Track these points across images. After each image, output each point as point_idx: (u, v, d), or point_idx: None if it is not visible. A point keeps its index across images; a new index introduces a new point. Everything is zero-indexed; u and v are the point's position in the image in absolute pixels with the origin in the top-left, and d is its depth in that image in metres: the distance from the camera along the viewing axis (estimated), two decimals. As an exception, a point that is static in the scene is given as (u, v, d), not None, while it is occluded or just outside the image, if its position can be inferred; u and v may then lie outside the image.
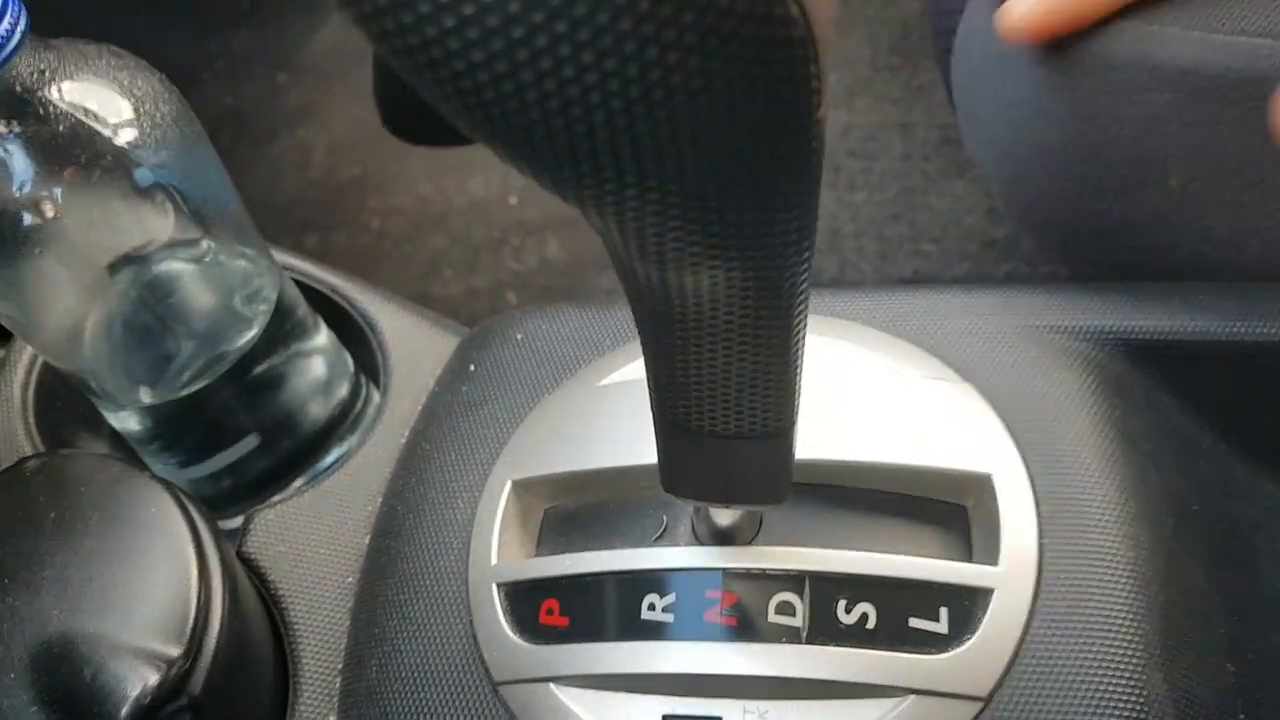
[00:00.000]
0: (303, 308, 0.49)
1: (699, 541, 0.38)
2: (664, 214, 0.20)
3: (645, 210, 0.20)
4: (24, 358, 0.50)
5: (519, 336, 0.48)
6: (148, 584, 0.36)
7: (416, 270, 1.00)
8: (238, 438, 0.49)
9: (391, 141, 1.07)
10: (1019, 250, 0.83)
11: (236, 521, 0.46)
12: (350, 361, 0.53)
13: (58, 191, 0.37)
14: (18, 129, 0.36)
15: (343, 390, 0.52)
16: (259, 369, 0.47)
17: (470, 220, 1.02)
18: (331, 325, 0.52)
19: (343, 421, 0.52)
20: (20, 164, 0.36)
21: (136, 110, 0.38)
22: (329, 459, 0.52)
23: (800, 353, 0.27)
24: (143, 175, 0.39)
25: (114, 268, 0.41)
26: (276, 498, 0.46)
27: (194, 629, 0.35)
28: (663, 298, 0.24)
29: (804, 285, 0.24)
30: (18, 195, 0.36)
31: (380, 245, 1.02)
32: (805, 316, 0.25)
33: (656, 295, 0.24)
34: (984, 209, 0.85)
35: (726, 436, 0.29)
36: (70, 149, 0.36)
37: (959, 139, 0.86)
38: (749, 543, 0.38)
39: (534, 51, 0.16)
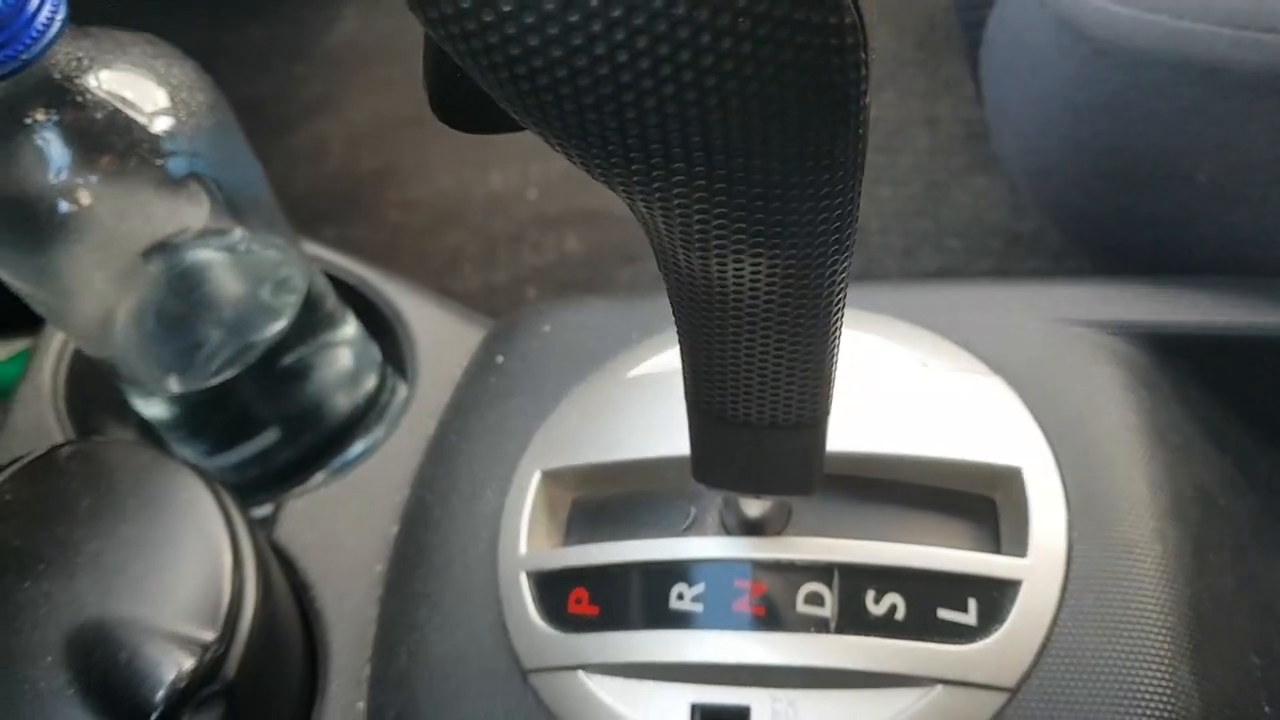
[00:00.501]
0: (332, 299, 0.49)
1: (728, 533, 0.39)
2: (710, 202, 0.20)
3: (692, 198, 0.20)
4: (54, 345, 0.50)
5: (546, 329, 0.48)
6: (181, 569, 0.36)
7: (435, 264, 1.00)
8: (265, 427, 0.49)
9: (409, 134, 1.07)
10: (1044, 246, 0.82)
11: (263, 510, 0.47)
12: (378, 353, 0.53)
13: (93, 179, 0.37)
14: (55, 117, 0.36)
15: (370, 382, 0.52)
16: (288, 359, 0.47)
17: (489, 214, 1.02)
18: (359, 317, 0.52)
19: (369, 413, 0.53)
20: (57, 151, 0.36)
21: (172, 99, 0.38)
22: (356, 450, 0.52)
23: (837, 344, 0.27)
24: (177, 164, 0.39)
25: (147, 256, 0.41)
26: (305, 487, 0.47)
27: (228, 614, 0.35)
28: (704, 285, 0.24)
29: (844, 276, 0.24)
30: (54, 182, 0.37)
31: (398, 239, 1.03)
32: (843, 308, 0.26)
33: (697, 282, 0.24)
34: (1009, 204, 0.85)
35: (760, 426, 0.29)
36: (107, 137, 0.37)
37: (984, 134, 0.86)
38: (778, 534, 0.38)
39: (590, 36, 0.16)
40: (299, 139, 1.11)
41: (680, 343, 0.28)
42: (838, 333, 0.26)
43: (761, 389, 0.27)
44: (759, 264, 0.22)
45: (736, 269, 0.23)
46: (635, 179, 0.20)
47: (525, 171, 1.03)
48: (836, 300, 0.25)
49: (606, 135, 0.19)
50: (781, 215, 0.21)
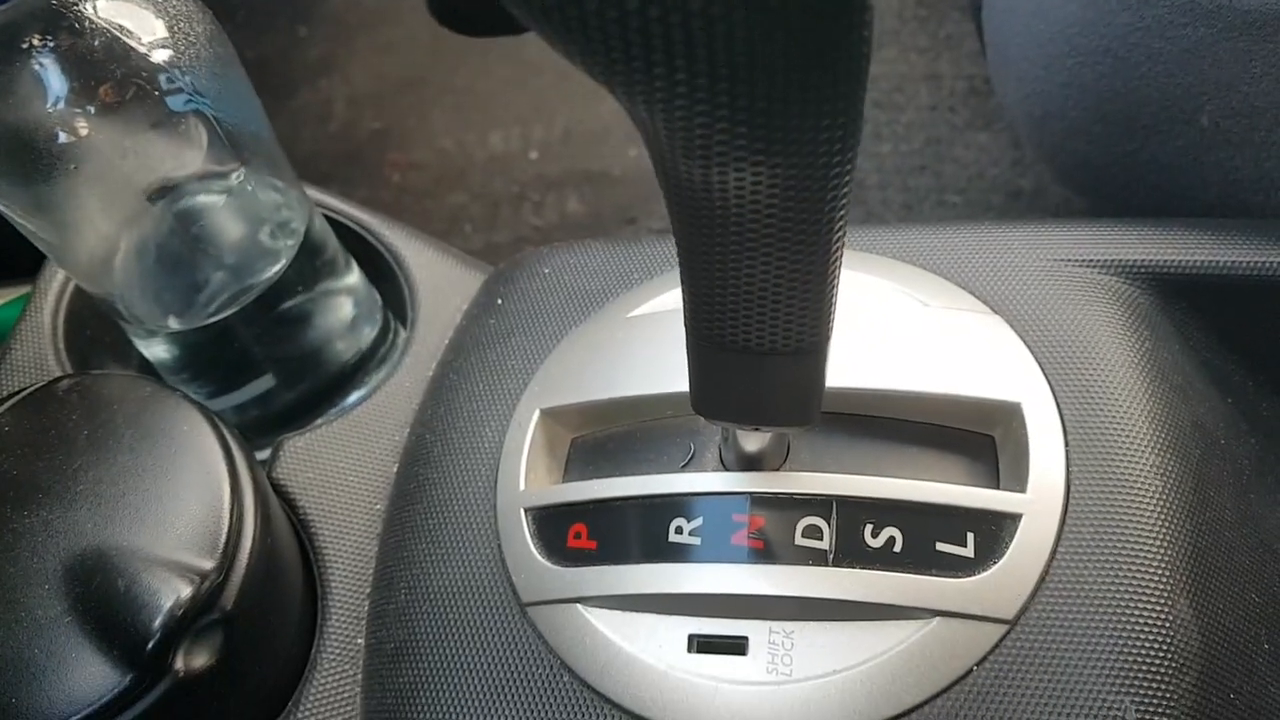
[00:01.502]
0: (333, 245, 0.49)
1: (726, 469, 0.39)
2: (711, 103, 0.20)
3: (694, 102, 0.20)
4: (54, 286, 0.50)
5: (546, 271, 0.48)
6: (181, 500, 0.36)
7: (437, 225, 1.00)
8: (265, 370, 0.49)
9: (412, 95, 1.07)
10: (1044, 201, 0.82)
11: (263, 454, 0.47)
12: (380, 301, 0.53)
13: (92, 109, 0.37)
14: (52, 43, 0.36)
15: (372, 329, 0.52)
16: (289, 303, 0.47)
17: (490, 175, 1.02)
18: (359, 262, 0.52)
19: (370, 360, 0.52)
20: (55, 79, 0.36)
21: (171, 29, 0.38)
22: (356, 395, 0.52)
23: (837, 266, 0.27)
24: (176, 97, 0.39)
25: (147, 193, 0.41)
26: (305, 428, 0.47)
27: (227, 544, 0.35)
28: (704, 199, 0.24)
29: (846, 191, 0.24)
30: (52, 111, 0.36)
31: (400, 200, 1.03)
32: (844, 228, 0.25)
33: (698, 195, 0.24)
34: (1010, 160, 0.85)
35: (760, 352, 0.29)
36: (105, 65, 0.36)
37: (986, 90, 0.86)
38: (776, 470, 0.38)
39: None
40: (302, 100, 1.11)
41: (680, 265, 0.27)
42: (838, 253, 0.26)
43: (761, 312, 0.27)
44: (760, 173, 0.22)
45: (738, 179, 0.22)
46: (636, 79, 0.20)
47: (527, 133, 1.03)
48: (838, 217, 0.25)
49: (608, 30, 0.18)
50: (783, 119, 0.21)
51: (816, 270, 0.26)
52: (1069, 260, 0.42)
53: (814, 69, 0.20)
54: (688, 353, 0.31)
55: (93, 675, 0.32)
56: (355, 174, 1.05)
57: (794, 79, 0.20)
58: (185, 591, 0.34)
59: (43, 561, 0.34)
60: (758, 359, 0.29)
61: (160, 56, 0.38)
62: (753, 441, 0.37)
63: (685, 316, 0.29)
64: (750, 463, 0.38)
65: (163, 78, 0.38)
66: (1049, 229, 0.44)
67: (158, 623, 0.33)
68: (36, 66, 0.36)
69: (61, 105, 0.36)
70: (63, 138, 0.37)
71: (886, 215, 0.86)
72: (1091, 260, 0.42)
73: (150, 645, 0.33)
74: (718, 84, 0.20)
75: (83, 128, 0.37)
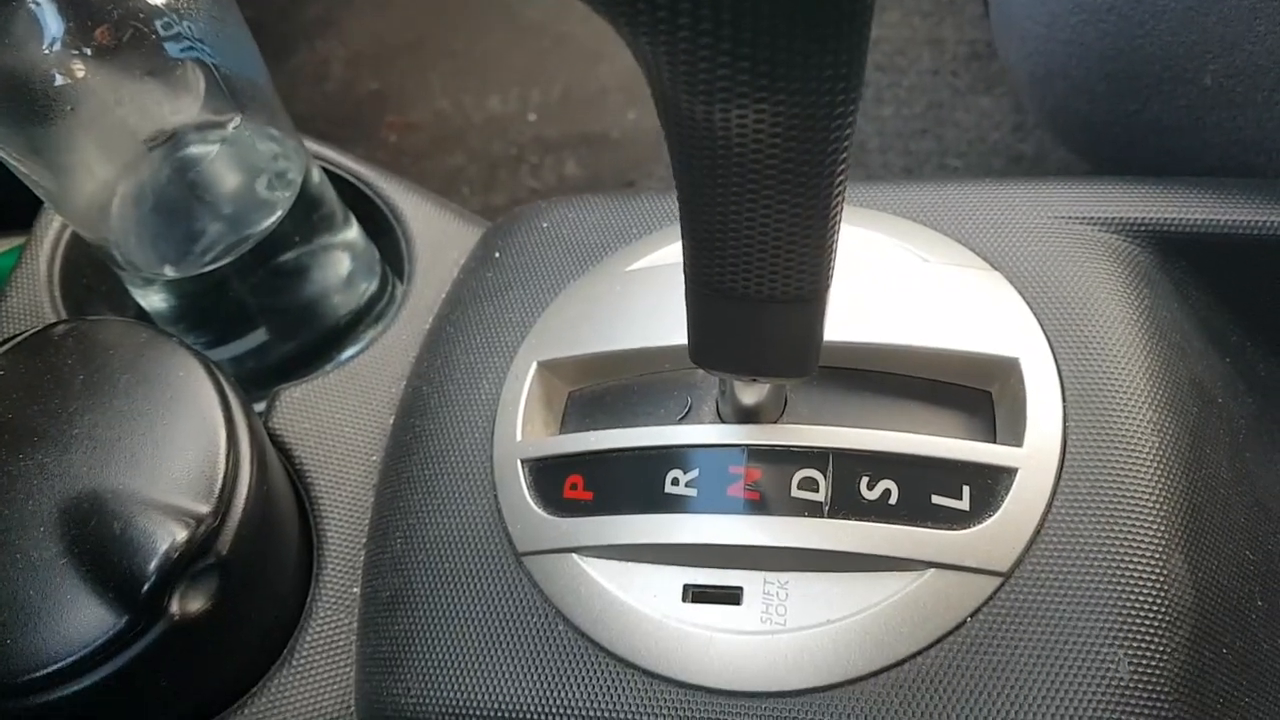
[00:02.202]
0: (331, 198, 0.49)
1: (723, 422, 0.39)
2: (714, 36, 0.20)
3: (697, 35, 0.20)
4: (49, 234, 0.50)
5: (544, 225, 0.48)
6: (177, 444, 0.36)
7: (434, 186, 0.99)
8: (261, 323, 0.49)
9: (409, 56, 1.07)
10: (1045, 166, 0.82)
11: (260, 407, 0.47)
12: (378, 257, 0.53)
13: (88, 51, 0.37)
14: (49, -17, 0.35)
15: (369, 284, 0.52)
16: (286, 256, 0.47)
17: (488, 137, 1.02)
18: (357, 216, 0.52)
19: (367, 315, 0.52)
20: (51, 19, 0.36)
21: (168, -28, 0.38)
22: (353, 349, 0.52)
23: (838, 214, 0.27)
24: (174, 42, 0.38)
25: (144, 140, 0.41)
26: (301, 379, 0.47)
27: (223, 489, 0.35)
28: (706, 139, 0.23)
29: (847, 135, 0.24)
30: (48, 53, 0.36)
31: (398, 161, 1.02)
32: (845, 175, 0.25)
33: (700, 136, 0.23)
34: (1011, 125, 0.85)
35: (759, 299, 0.29)
36: (102, 7, 0.36)
37: (988, 54, 0.85)
38: (773, 423, 0.38)
39: None
40: (299, 60, 1.10)
41: (680, 210, 0.27)
42: (839, 200, 0.26)
43: (760, 258, 0.27)
44: (761, 112, 0.22)
45: (740, 117, 0.22)
46: (640, 9, 0.20)
47: (525, 95, 1.02)
48: (839, 161, 0.24)
49: None
50: (786, 55, 0.21)
51: (816, 216, 0.26)
52: (1069, 218, 0.42)
53: (817, 2, 0.20)
54: (686, 301, 0.31)
55: (88, 617, 0.33)
56: (352, 135, 1.05)
57: (797, 13, 0.20)
58: (181, 535, 0.34)
59: (38, 504, 0.34)
60: (756, 307, 0.29)
61: (159, 0, 0.37)
62: (750, 394, 0.37)
63: (684, 263, 0.29)
64: (747, 416, 0.38)
65: (160, 22, 0.38)
66: (1050, 187, 0.43)
67: (153, 565, 0.33)
68: (33, 5, 0.35)
69: (58, 46, 0.36)
70: (59, 80, 0.37)
71: (887, 178, 0.86)
72: (1092, 218, 0.42)
73: (145, 588, 0.33)
74: (720, 15, 0.19)
75: (79, 70, 0.37)
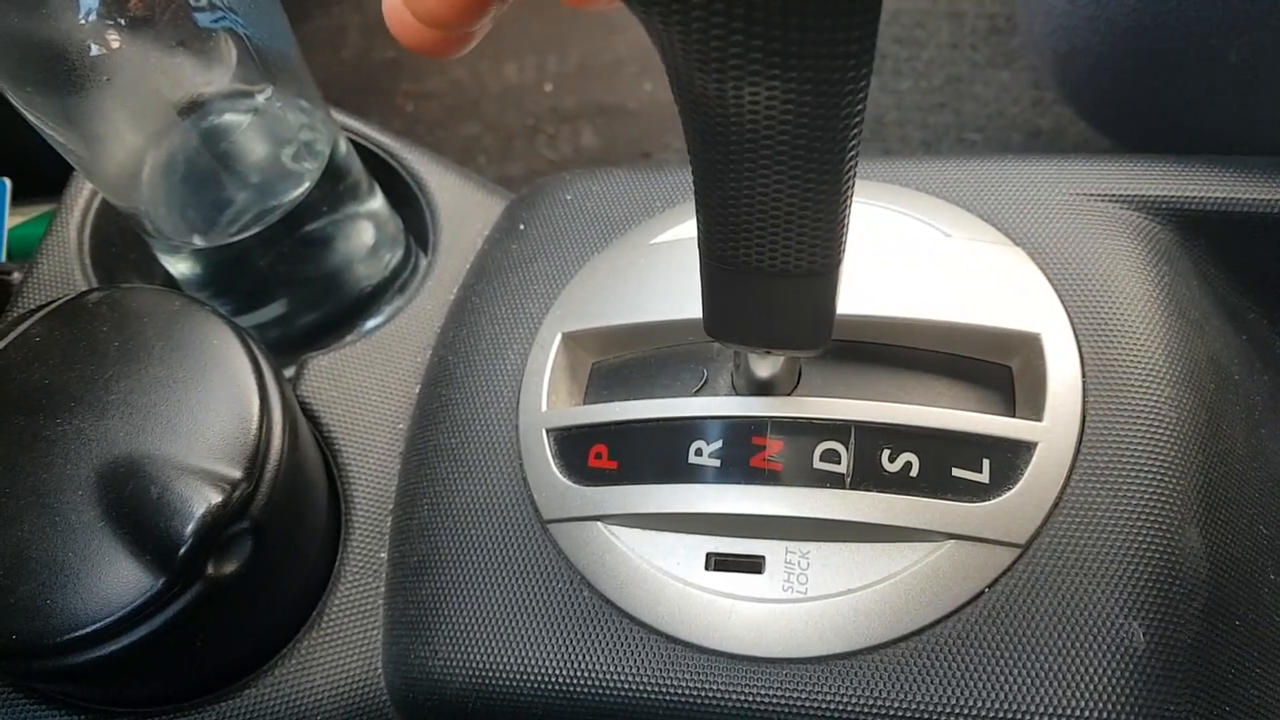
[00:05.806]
0: (357, 169, 0.49)
1: (738, 394, 0.39)
2: (728, 14, 0.20)
3: (710, 14, 0.20)
4: (79, 202, 0.50)
5: (568, 197, 0.48)
6: (211, 410, 0.36)
7: (450, 156, 0.99)
8: (287, 292, 0.49)
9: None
10: (1064, 141, 0.82)
11: (287, 374, 0.47)
12: (402, 227, 0.53)
13: (122, 21, 0.37)
14: (85, -46, 0.36)
15: (394, 254, 0.52)
16: (312, 226, 0.47)
17: (504, 107, 1.02)
18: (381, 186, 0.52)
19: (392, 284, 0.53)
20: (87, -10, 0.36)
21: (201, -57, 0.38)
22: (378, 319, 0.52)
23: (850, 188, 0.27)
24: (206, 13, 0.39)
25: (176, 109, 0.41)
26: (328, 348, 0.47)
27: (256, 455, 0.36)
28: (719, 114, 0.24)
29: (859, 110, 0.24)
30: (84, 24, 0.37)
31: (413, 130, 1.02)
32: (858, 149, 0.26)
33: (713, 112, 0.24)
34: (1030, 99, 0.85)
35: (772, 273, 0.29)
36: (136, -23, 0.37)
37: (1007, 28, 0.85)
38: (788, 396, 0.38)
39: None
40: (315, 26, 1.10)
41: (695, 186, 0.28)
42: (851, 174, 0.26)
43: (774, 232, 0.27)
44: (775, 87, 0.22)
45: (752, 93, 0.23)
46: None
47: (541, 65, 1.02)
48: (851, 136, 0.25)
49: None
50: (800, 31, 0.21)
51: (829, 190, 0.26)
52: (1091, 194, 0.42)
53: None
54: (700, 274, 0.31)
55: (127, 579, 0.33)
56: (368, 103, 1.05)
57: None
58: (216, 499, 0.34)
59: (76, 468, 0.35)
60: (769, 280, 0.29)
61: (190, -31, 0.38)
62: (764, 367, 0.37)
63: (699, 237, 0.30)
64: (761, 388, 0.38)
65: (193, -9, 0.38)
66: (1072, 163, 0.44)
67: (190, 529, 0.34)
68: (69, -24, 0.36)
69: (93, 17, 0.37)
70: (95, 50, 0.37)
71: (905, 152, 0.86)
72: (1113, 195, 0.42)
73: (183, 550, 0.33)
74: None
75: (114, 40, 0.37)
